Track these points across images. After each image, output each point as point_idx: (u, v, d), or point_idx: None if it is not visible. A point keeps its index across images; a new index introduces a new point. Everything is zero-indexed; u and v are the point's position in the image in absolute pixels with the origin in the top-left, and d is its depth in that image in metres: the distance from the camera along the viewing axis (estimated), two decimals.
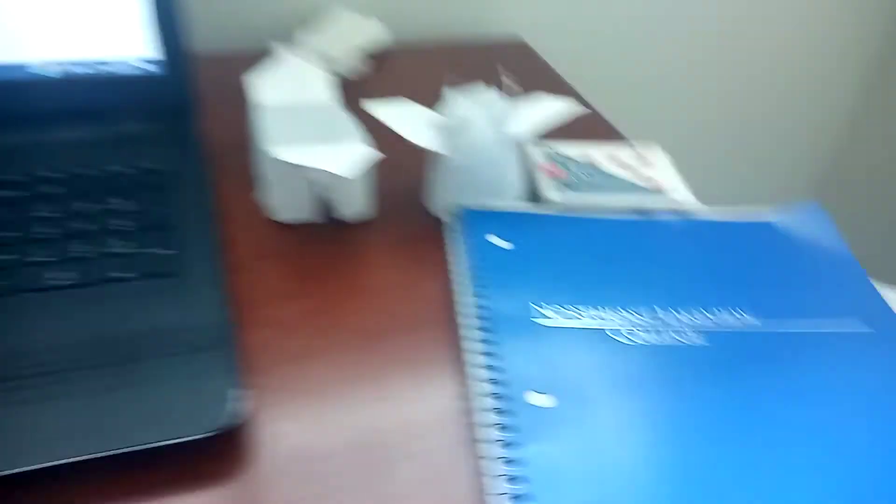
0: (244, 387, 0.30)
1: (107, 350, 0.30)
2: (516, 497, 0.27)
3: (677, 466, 0.29)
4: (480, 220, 0.40)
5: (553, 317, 0.35)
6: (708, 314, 0.36)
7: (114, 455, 0.27)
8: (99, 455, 0.27)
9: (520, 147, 0.43)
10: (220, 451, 0.29)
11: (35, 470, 0.26)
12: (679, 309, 0.36)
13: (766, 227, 0.43)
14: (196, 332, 0.31)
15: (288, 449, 0.30)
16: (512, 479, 0.28)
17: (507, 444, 0.29)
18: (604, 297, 0.36)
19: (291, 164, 0.37)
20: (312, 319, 0.35)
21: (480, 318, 0.34)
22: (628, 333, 0.34)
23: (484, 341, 0.33)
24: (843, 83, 0.97)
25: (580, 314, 0.35)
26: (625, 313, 0.36)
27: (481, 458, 0.30)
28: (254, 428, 0.30)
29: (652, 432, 0.30)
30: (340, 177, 0.38)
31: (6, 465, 0.26)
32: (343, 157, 0.37)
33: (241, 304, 0.36)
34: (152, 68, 0.43)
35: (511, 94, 0.43)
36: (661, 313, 0.36)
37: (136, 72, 0.43)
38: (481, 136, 0.40)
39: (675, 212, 0.43)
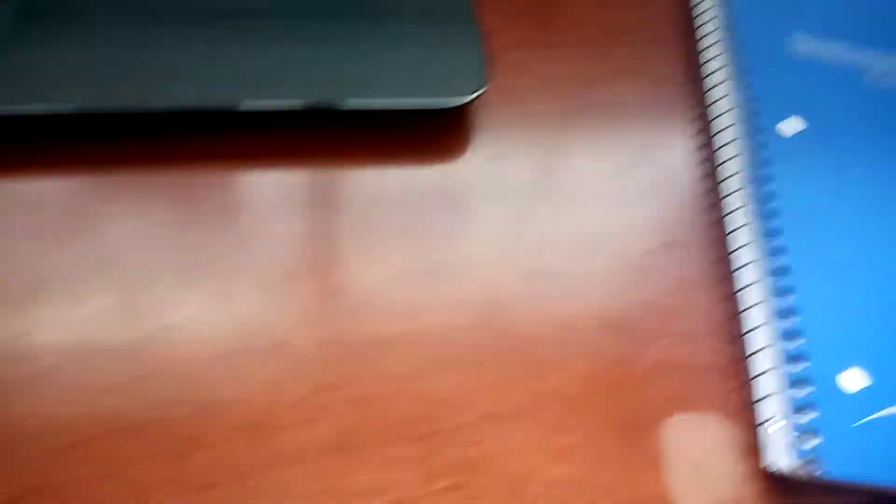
0: (486, 64, 0.28)
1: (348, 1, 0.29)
2: (761, 212, 0.26)
3: None
4: None
5: (807, 46, 0.31)
6: None
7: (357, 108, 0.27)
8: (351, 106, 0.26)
9: None
10: (448, 126, 0.29)
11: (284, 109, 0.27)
12: None
13: None
14: (437, 3, 0.30)
15: (514, 133, 0.29)
16: (759, 211, 0.26)
17: (755, 164, 0.27)
18: (872, 32, 0.32)
19: None
20: (539, 11, 0.33)
21: (724, 36, 0.31)
22: (889, 75, 0.30)
23: (729, 62, 0.30)
24: None
25: (841, 46, 0.31)
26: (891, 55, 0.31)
27: (724, 185, 0.28)
28: (485, 106, 0.29)
29: None
30: None
31: (253, 96, 0.26)
32: None
33: None
34: None
35: None
36: None
37: None
38: None
39: None
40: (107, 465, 0.20)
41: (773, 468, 0.22)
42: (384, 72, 0.27)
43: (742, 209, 0.27)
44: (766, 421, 0.22)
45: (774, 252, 0.25)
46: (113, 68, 0.26)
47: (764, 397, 0.23)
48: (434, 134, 0.29)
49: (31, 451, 0.20)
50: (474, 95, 0.27)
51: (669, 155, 0.30)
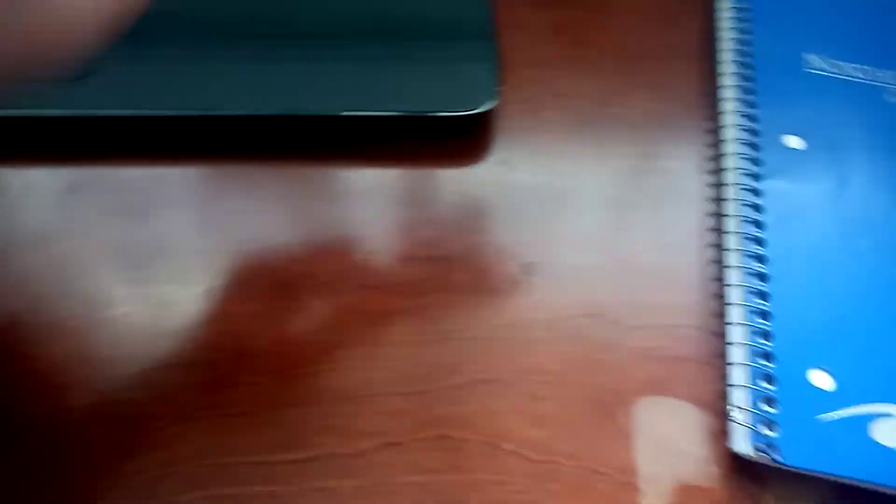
0: (500, 80, 0.31)
1: (381, 23, 0.33)
2: (752, 221, 0.29)
3: None
4: None
5: (821, 66, 0.33)
6: None
7: (375, 117, 0.30)
8: (368, 114, 0.30)
9: None
10: (465, 135, 0.32)
11: (307, 117, 0.30)
12: None
13: None
14: (461, 24, 0.33)
15: (526, 146, 0.32)
16: (750, 206, 0.29)
17: (752, 176, 0.30)
18: (881, 54, 0.34)
19: None
20: (563, 30, 0.36)
21: (741, 55, 0.33)
22: None
23: (742, 79, 0.33)
24: None
25: (851, 67, 0.33)
26: None
27: (721, 195, 0.30)
28: (498, 120, 0.32)
29: None
30: None
31: (284, 108, 0.30)
32: None
33: (497, 4, 0.36)
34: None
35: None
36: None
37: None
38: None
39: None
40: (163, 390, 0.26)
41: (735, 450, 0.24)
42: (408, 85, 0.31)
43: (735, 218, 0.29)
44: (734, 408, 0.25)
45: (758, 259, 0.28)
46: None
47: (734, 386, 0.25)
48: (455, 142, 0.32)
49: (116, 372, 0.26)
50: (486, 107, 0.30)
51: (676, 164, 0.32)
